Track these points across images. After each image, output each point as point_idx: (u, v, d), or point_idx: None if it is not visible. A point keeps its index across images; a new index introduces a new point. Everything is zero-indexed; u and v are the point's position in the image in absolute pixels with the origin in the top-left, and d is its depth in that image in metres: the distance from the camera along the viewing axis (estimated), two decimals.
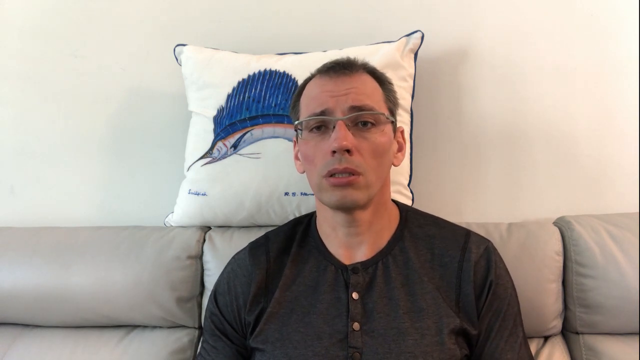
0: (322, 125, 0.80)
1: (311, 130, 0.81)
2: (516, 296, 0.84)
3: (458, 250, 0.82)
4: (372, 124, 0.79)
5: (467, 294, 0.79)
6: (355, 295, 0.79)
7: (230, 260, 0.90)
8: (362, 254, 0.83)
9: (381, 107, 0.82)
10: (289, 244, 0.87)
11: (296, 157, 0.89)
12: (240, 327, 0.84)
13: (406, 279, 0.80)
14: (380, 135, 0.80)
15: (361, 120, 0.79)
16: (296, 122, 0.83)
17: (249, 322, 0.83)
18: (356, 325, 0.77)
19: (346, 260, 0.83)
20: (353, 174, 0.76)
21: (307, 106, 0.82)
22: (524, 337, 0.82)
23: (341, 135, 0.75)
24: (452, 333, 0.77)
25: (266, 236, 0.90)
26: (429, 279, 0.80)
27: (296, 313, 0.80)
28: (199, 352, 0.88)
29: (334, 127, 0.77)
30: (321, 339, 0.78)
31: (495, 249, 0.84)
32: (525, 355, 0.80)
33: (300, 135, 0.83)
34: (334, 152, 0.76)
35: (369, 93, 0.81)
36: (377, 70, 0.87)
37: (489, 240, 0.85)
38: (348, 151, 0.76)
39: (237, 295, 0.85)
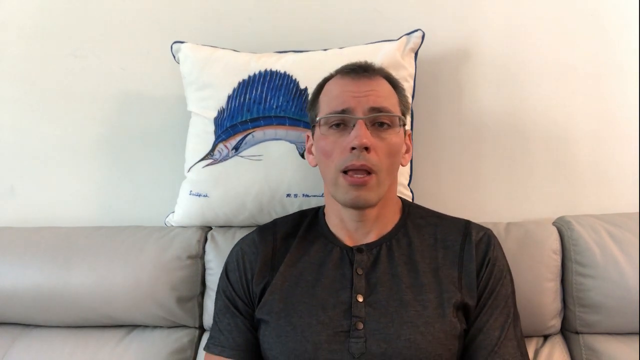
0: (341, 122, 0.84)
1: (331, 126, 0.84)
2: (511, 280, 0.86)
3: (460, 235, 0.86)
4: (388, 125, 0.84)
5: (470, 271, 0.83)
6: (359, 271, 0.83)
7: (238, 241, 0.94)
8: (367, 240, 0.87)
9: (396, 111, 0.86)
10: (296, 229, 0.91)
11: (309, 151, 0.93)
12: (250, 301, 0.87)
13: (409, 258, 0.84)
14: (395, 136, 0.84)
15: (378, 121, 0.83)
16: (318, 118, 0.86)
17: (255, 293, 0.86)
18: (360, 297, 0.81)
19: (351, 244, 0.87)
20: (369, 173, 0.80)
21: (329, 104, 0.86)
22: (515, 320, 0.83)
23: (362, 133, 0.79)
24: (454, 307, 0.80)
25: (274, 222, 0.95)
26: (431, 259, 0.84)
27: (300, 286, 0.84)
28: (209, 339, 0.87)
29: (353, 125, 0.82)
30: (325, 309, 0.81)
31: (494, 235, 0.88)
32: (512, 335, 0.81)
33: (319, 131, 0.86)
34: (353, 148, 0.80)
35: (386, 96, 0.85)
36: (392, 76, 0.91)
37: (488, 228, 0.89)
38: (366, 149, 0.80)
39: (246, 270, 0.88)
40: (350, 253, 0.85)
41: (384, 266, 0.83)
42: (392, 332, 0.78)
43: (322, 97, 0.89)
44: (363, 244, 0.86)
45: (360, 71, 0.86)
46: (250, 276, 0.87)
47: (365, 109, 0.82)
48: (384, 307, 0.80)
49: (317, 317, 0.80)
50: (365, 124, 0.81)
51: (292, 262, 0.87)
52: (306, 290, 0.83)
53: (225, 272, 0.91)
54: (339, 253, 0.86)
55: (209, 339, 0.88)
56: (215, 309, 0.91)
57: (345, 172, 0.81)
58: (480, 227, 0.88)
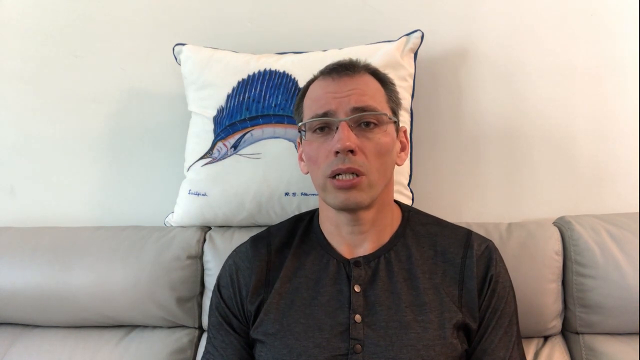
0: (325, 126, 0.80)
1: (314, 131, 0.81)
2: (514, 296, 0.84)
3: (461, 248, 0.83)
4: (375, 124, 0.80)
5: (471, 289, 0.80)
6: (357, 288, 0.80)
7: (232, 253, 0.91)
8: (364, 250, 0.84)
9: (383, 108, 0.82)
10: (290, 238, 0.88)
11: (300, 158, 0.89)
12: (244, 319, 0.85)
13: (409, 273, 0.81)
14: (383, 135, 0.80)
15: (364, 121, 0.79)
16: (300, 124, 0.84)
17: (250, 312, 0.83)
18: (358, 317, 0.78)
19: (348, 255, 0.84)
20: (357, 175, 0.77)
21: (310, 107, 0.83)
22: (518, 338, 0.82)
23: (344, 136, 0.76)
24: (454, 328, 0.78)
25: (268, 230, 0.91)
26: (431, 275, 0.81)
27: (296, 304, 0.81)
28: (204, 354, 0.87)
29: (337, 128, 0.78)
30: (322, 330, 0.78)
31: (496, 248, 0.85)
32: (517, 355, 0.81)
33: (303, 137, 0.84)
34: (337, 152, 0.77)
35: (371, 94, 0.82)
36: (380, 71, 0.87)
37: (490, 240, 0.86)
38: (351, 151, 0.77)
39: (240, 287, 0.85)
40: (347, 266, 0.82)
41: (382, 282, 0.80)
42: (391, 356, 0.75)
43: (306, 101, 0.85)
44: (360, 257, 0.82)
45: (341, 70, 0.83)
46: (245, 293, 0.84)
47: (347, 110, 0.79)
48: (383, 328, 0.77)
49: (313, 339, 0.78)
50: (349, 125, 0.78)
51: (287, 278, 0.83)
52: (302, 309, 0.80)
53: (218, 287, 0.88)
54: (335, 266, 0.83)
55: (204, 354, 0.87)
56: (209, 323, 0.89)
57: (333, 176, 0.78)
58: (482, 239, 0.85)
